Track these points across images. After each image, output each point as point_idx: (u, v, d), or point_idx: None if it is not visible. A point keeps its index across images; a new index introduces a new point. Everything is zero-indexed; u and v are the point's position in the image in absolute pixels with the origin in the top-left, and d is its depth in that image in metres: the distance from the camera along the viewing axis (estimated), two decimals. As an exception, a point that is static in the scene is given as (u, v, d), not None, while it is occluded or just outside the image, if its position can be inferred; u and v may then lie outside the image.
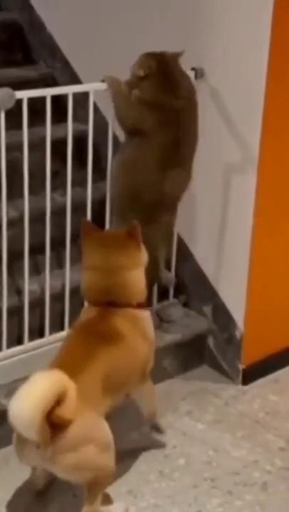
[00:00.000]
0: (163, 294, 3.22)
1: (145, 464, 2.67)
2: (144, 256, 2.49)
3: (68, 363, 2.28)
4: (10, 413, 2.09)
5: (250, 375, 3.14)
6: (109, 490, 2.41)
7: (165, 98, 2.70)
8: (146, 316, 2.51)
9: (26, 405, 2.06)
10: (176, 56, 2.74)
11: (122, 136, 2.86)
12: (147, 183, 2.73)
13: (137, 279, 2.46)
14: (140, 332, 2.46)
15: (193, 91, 2.79)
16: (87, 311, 2.50)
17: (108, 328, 2.40)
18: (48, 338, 2.89)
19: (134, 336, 2.43)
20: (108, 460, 2.26)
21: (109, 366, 2.32)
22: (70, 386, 2.11)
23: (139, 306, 2.48)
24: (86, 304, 2.59)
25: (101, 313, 2.44)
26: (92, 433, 2.22)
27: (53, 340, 2.89)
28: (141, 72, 2.68)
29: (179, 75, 2.75)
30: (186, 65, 2.83)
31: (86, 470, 2.22)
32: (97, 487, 2.27)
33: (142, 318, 2.48)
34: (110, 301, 2.44)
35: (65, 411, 2.09)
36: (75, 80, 3.44)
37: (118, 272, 2.42)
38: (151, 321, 2.55)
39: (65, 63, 3.51)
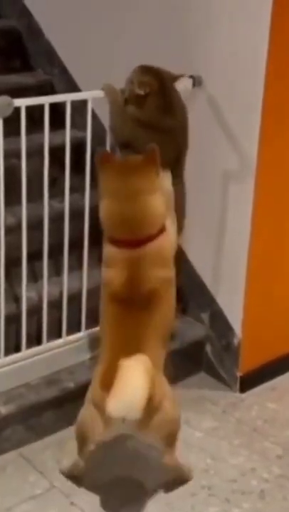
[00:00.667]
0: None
1: (142, 471, 2.66)
2: (162, 181, 2.46)
3: (127, 339, 2.37)
4: (115, 400, 2.20)
5: (248, 382, 3.13)
6: (105, 498, 2.41)
7: (162, 119, 2.67)
8: (167, 240, 2.46)
9: (135, 392, 2.21)
10: (174, 77, 2.70)
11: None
12: None
13: (158, 203, 2.42)
14: (167, 261, 2.46)
15: (186, 110, 2.75)
16: (114, 265, 2.43)
17: (146, 290, 2.39)
18: (46, 345, 2.88)
19: (166, 277, 2.45)
20: (178, 408, 2.46)
21: (159, 322, 2.42)
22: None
23: (160, 231, 2.44)
24: (107, 243, 2.49)
25: (132, 274, 2.39)
26: (165, 390, 2.42)
27: (51, 348, 2.89)
28: (141, 92, 2.62)
29: (175, 95, 2.71)
30: (183, 72, 2.83)
31: (167, 424, 2.41)
32: (174, 437, 2.47)
33: (163, 246, 2.45)
34: (132, 240, 2.40)
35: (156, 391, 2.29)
36: (73, 86, 3.44)
37: (138, 197, 2.39)
38: (173, 238, 2.52)
39: (63, 70, 3.52)
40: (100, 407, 2.34)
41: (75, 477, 2.57)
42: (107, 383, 2.26)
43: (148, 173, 2.40)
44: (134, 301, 2.40)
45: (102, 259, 2.52)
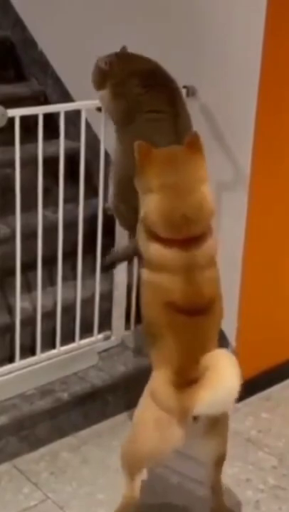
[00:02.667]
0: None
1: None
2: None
3: (194, 340, 2.23)
4: (213, 397, 2.12)
5: (242, 392, 3.10)
6: (101, 509, 2.39)
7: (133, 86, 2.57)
8: (214, 237, 2.30)
9: (233, 381, 2.15)
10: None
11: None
12: None
13: (210, 192, 2.25)
14: (215, 259, 2.31)
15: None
16: (167, 280, 2.20)
17: (205, 299, 2.23)
18: (40, 356, 2.87)
19: (217, 277, 2.32)
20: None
21: (218, 321, 2.33)
22: None
23: (210, 230, 2.27)
24: (155, 244, 2.22)
25: (189, 285, 2.19)
26: None
27: (45, 358, 2.88)
28: (102, 64, 2.60)
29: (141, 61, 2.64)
30: (178, 82, 2.83)
31: (225, 435, 2.36)
32: (224, 456, 2.39)
33: (213, 244, 2.28)
34: (188, 239, 2.19)
35: None
36: (66, 96, 3.45)
37: (194, 188, 2.19)
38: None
39: (57, 80, 3.52)
40: (172, 410, 2.18)
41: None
42: (181, 383, 2.16)
43: (197, 161, 2.22)
44: (196, 308, 2.23)
45: (146, 261, 2.25)
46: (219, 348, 2.31)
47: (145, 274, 2.26)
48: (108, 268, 2.96)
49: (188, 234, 2.19)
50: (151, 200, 2.20)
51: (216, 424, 2.27)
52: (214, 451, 2.36)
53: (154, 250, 2.22)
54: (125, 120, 2.55)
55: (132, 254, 2.76)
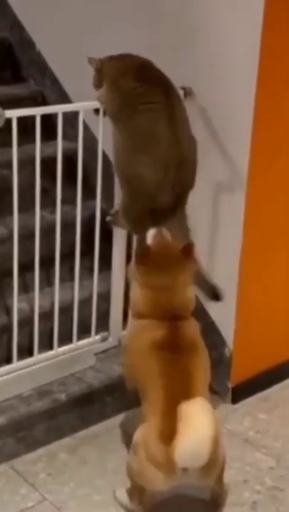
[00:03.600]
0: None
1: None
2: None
3: (179, 386, 2.36)
4: (186, 451, 2.20)
5: (240, 393, 3.13)
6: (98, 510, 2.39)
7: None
8: (194, 323, 2.59)
9: (204, 437, 2.21)
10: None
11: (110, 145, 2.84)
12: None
13: (191, 294, 2.58)
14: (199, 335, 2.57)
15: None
16: (151, 327, 2.50)
17: (187, 340, 2.48)
18: (38, 357, 2.87)
19: (201, 340, 2.56)
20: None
21: (204, 362, 2.51)
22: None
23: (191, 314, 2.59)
24: (137, 319, 2.58)
25: (172, 329, 2.48)
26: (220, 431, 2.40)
27: (42, 359, 2.88)
28: (94, 64, 2.71)
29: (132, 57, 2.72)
30: (174, 84, 2.84)
31: (222, 465, 2.40)
32: (223, 473, 2.45)
33: (196, 324, 2.58)
34: (177, 315, 2.50)
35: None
36: (64, 97, 3.45)
37: (181, 289, 2.51)
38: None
39: (55, 81, 3.52)
40: (161, 462, 2.27)
41: None
42: (167, 435, 2.23)
43: (186, 268, 2.51)
44: (178, 347, 2.45)
45: (133, 310, 2.59)
46: (207, 394, 2.43)
47: (133, 323, 2.59)
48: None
49: (174, 314, 2.51)
50: (139, 292, 2.53)
51: (209, 469, 2.30)
52: (212, 481, 2.40)
53: (140, 301, 2.54)
54: (123, 114, 2.60)
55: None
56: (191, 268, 2.55)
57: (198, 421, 2.23)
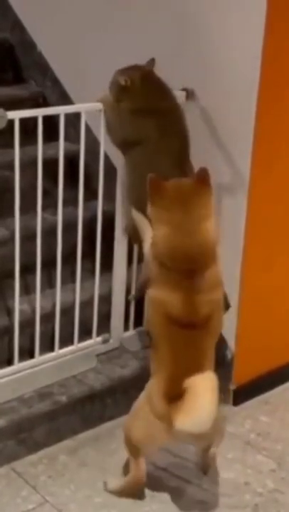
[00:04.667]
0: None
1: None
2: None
3: (188, 355, 2.40)
4: (186, 416, 2.30)
5: (241, 395, 3.13)
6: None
7: (158, 101, 2.66)
8: (219, 264, 2.46)
9: (208, 409, 2.31)
10: (151, 65, 2.72)
11: (115, 158, 2.85)
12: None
13: (214, 228, 2.41)
14: (219, 283, 2.47)
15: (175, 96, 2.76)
16: (168, 296, 2.38)
17: (202, 315, 2.40)
18: (39, 358, 2.87)
19: (219, 299, 2.47)
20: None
21: (214, 338, 2.49)
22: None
23: (214, 258, 2.43)
24: (159, 266, 2.41)
25: (189, 300, 2.37)
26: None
27: (44, 361, 2.87)
28: (122, 81, 2.64)
29: (162, 81, 2.71)
30: (176, 85, 2.84)
31: (221, 432, 2.57)
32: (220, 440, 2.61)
33: (217, 270, 2.45)
34: (191, 270, 2.36)
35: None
36: (65, 98, 3.44)
37: (199, 226, 2.36)
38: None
39: (56, 82, 3.52)
40: (163, 419, 2.37)
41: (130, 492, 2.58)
42: (172, 396, 2.34)
43: (204, 197, 2.38)
44: (192, 324, 2.41)
45: (150, 277, 2.46)
46: (212, 367, 2.47)
47: (150, 291, 2.45)
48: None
49: (190, 267, 2.37)
50: (160, 231, 2.39)
51: (204, 439, 2.46)
52: (209, 445, 2.57)
53: (159, 271, 2.40)
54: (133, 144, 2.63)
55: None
56: (210, 197, 2.39)
57: (202, 393, 2.32)
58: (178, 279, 2.38)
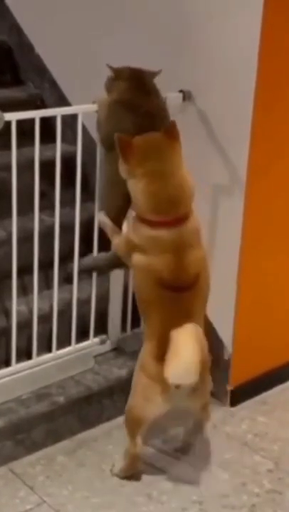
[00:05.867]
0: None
1: (132, 486, 2.65)
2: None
3: (177, 314, 2.47)
4: (173, 366, 2.39)
5: (239, 396, 3.13)
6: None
7: (140, 99, 2.66)
8: (197, 218, 2.52)
9: (191, 357, 2.40)
10: (152, 73, 2.72)
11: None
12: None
13: (189, 175, 2.48)
14: (200, 239, 2.54)
15: (165, 106, 2.76)
16: (154, 245, 2.45)
17: (190, 277, 2.49)
18: (36, 359, 2.87)
19: (203, 256, 2.57)
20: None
21: (203, 296, 2.58)
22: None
23: (192, 210, 2.50)
24: (144, 227, 2.47)
25: (177, 260, 2.45)
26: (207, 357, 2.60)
27: (41, 362, 2.88)
28: (112, 71, 2.69)
29: (154, 86, 2.72)
30: (173, 87, 2.84)
31: (208, 392, 2.70)
32: (208, 405, 2.74)
33: (196, 225, 2.52)
34: (173, 219, 2.43)
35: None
36: (62, 100, 3.45)
37: (175, 172, 2.44)
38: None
39: (53, 84, 3.53)
40: (155, 378, 2.47)
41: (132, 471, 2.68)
42: (161, 355, 2.42)
43: (174, 148, 2.45)
44: (182, 285, 2.48)
45: (135, 244, 2.49)
46: (202, 323, 2.56)
47: (136, 257, 2.50)
48: (85, 272, 2.98)
49: (174, 215, 2.43)
50: (137, 186, 2.44)
51: (201, 387, 2.52)
52: (199, 408, 2.67)
53: (145, 233, 2.46)
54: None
55: (105, 265, 2.88)
56: (180, 148, 2.46)
57: (183, 342, 2.40)
58: (163, 235, 2.42)
